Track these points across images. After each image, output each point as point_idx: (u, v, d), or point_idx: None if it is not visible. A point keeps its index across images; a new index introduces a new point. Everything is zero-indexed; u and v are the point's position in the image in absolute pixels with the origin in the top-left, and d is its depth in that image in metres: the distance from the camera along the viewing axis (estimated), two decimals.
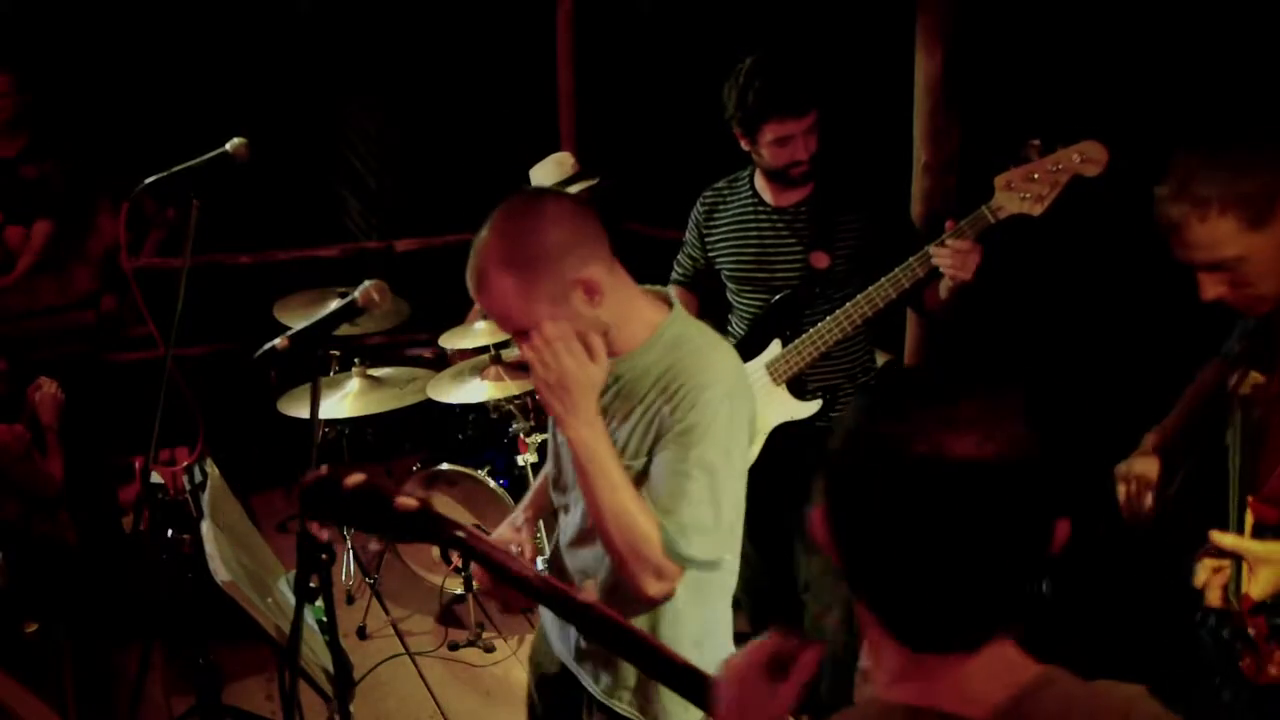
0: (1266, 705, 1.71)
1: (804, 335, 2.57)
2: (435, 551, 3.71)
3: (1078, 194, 2.21)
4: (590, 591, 1.39)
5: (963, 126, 2.85)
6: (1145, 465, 1.86)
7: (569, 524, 1.84)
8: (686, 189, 2.90)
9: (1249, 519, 1.60)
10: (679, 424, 1.58)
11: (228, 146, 2.50)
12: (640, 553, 1.56)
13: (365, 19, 5.20)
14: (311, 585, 1.81)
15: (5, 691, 1.91)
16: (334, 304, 1.84)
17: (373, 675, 3.43)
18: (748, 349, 2.66)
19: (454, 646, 3.61)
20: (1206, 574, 1.61)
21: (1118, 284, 2.77)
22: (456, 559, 3.59)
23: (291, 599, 2.16)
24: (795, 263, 2.62)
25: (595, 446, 1.56)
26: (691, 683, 1.32)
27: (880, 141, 3.09)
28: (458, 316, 4.01)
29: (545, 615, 2.01)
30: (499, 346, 3.63)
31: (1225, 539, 1.58)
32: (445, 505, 3.66)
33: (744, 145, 2.60)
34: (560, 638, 1.93)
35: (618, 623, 1.38)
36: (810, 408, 2.63)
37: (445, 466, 3.61)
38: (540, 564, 2.51)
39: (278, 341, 1.76)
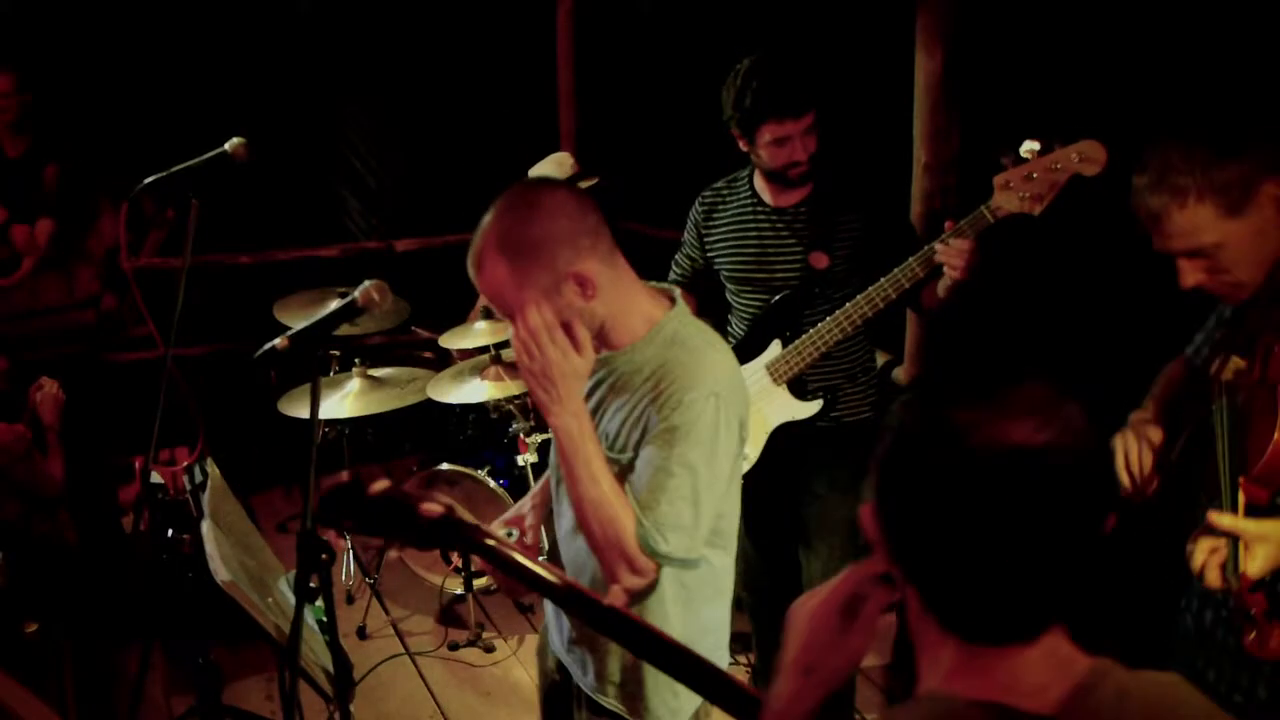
0: (1253, 685, 1.75)
1: (804, 336, 2.57)
2: (393, 554, 3.71)
3: (1077, 193, 2.21)
4: (618, 596, 1.38)
5: (963, 126, 2.85)
6: (1149, 428, 1.86)
7: (565, 515, 1.85)
8: (686, 189, 2.90)
9: (1241, 499, 1.62)
10: (664, 422, 1.59)
11: (227, 146, 2.50)
12: (616, 544, 1.58)
13: (365, 19, 5.20)
14: (311, 585, 1.80)
15: (5, 691, 1.91)
16: (334, 304, 1.84)
17: (373, 675, 3.43)
18: (748, 349, 2.66)
19: (454, 646, 3.61)
20: (1204, 555, 1.62)
21: (1116, 282, 2.77)
22: (456, 559, 3.59)
23: (291, 599, 2.16)
24: (794, 263, 2.62)
25: (578, 436, 1.58)
26: (723, 688, 1.30)
27: (880, 141, 3.09)
28: (458, 316, 4.01)
29: (548, 608, 2.02)
30: (499, 346, 3.63)
31: (1223, 519, 1.60)
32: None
33: (742, 146, 2.60)
34: (555, 629, 1.94)
35: (645, 628, 1.37)
36: (811, 408, 2.63)
37: (445, 466, 3.61)
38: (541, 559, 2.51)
39: (278, 341, 1.76)
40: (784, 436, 2.64)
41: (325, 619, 1.95)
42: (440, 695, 3.35)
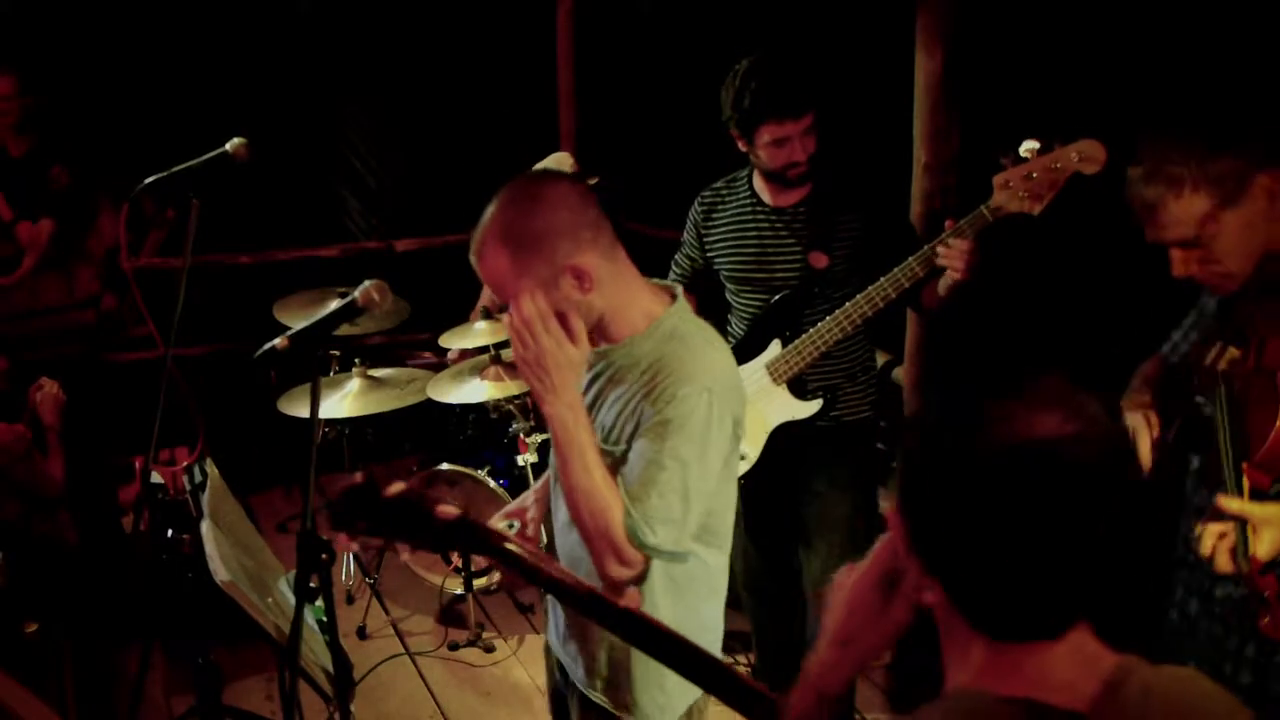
0: (1236, 672, 1.80)
1: (804, 335, 2.57)
2: (406, 556, 3.71)
3: (1077, 193, 2.21)
4: (634, 598, 1.38)
5: (963, 126, 2.85)
6: (1150, 413, 1.88)
7: (562, 509, 1.85)
8: (686, 189, 2.90)
9: (1245, 485, 1.66)
10: (657, 415, 1.60)
11: (227, 146, 2.50)
12: (605, 534, 1.60)
13: (365, 19, 5.20)
14: (311, 585, 1.81)
15: (5, 691, 1.91)
16: (334, 304, 1.84)
17: (373, 675, 3.43)
18: (748, 349, 2.66)
19: (454, 646, 3.61)
20: (1213, 541, 1.64)
21: (1114, 280, 2.77)
22: (456, 559, 3.59)
23: (291, 599, 2.16)
24: (794, 263, 2.62)
25: (572, 426, 1.59)
26: (737, 690, 1.30)
27: (880, 141, 3.09)
28: (458, 316, 4.01)
29: (551, 603, 2.02)
30: (499, 346, 3.63)
31: (1231, 503, 1.63)
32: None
33: (741, 147, 2.60)
34: (553, 625, 1.95)
35: (660, 629, 1.36)
36: (811, 407, 2.63)
37: (445, 466, 3.61)
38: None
39: (278, 341, 1.76)
40: (784, 436, 2.64)
41: (325, 619, 1.95)
42: (440, 695, 3.35)
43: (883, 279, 2.44)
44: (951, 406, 0.92)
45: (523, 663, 3.53)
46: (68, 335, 4.22)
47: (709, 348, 1.67)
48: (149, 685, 3.00)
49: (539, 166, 3.88)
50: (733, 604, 2.31)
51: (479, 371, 3.63)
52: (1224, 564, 1.63)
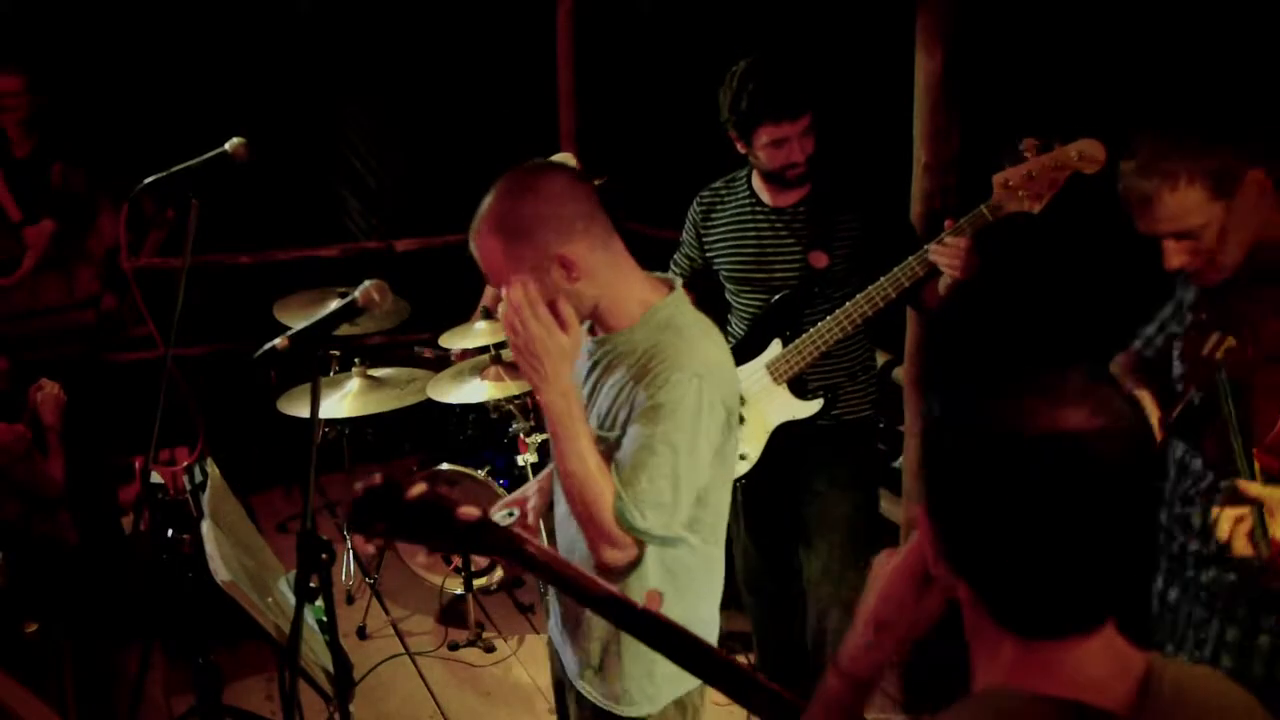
0: (1215, 656, 1.86)
1: (804, 335, 2.57)
2: (422, 559, 3.71)
3: (1077, 192, 2.21)
4: (654, 599, 1.39)
5: (963, 126, 2.85)
6: (1142, 394, 1.91)
7: (562, 499, 1.87)
8: (686, 189, 2.90)
9: (1257, 469, 1.69)
10: (649, 400, 1.62)
11: (227, 146, 2.50)
12: (597, 519, 1.63)
13: (365, 19, 5.20)
14: (311, 585, 1.81)
15: (5, 691, 1.91)
16: (334, 304, 1.84)
17: (373, 675, 3.43)
18: (748, 349, 2.66)
19: (454, 646, 3.61)
20: (1230, 525, 1.67)
21: (1115, 279, 2.77)
22: (456, 559, 3.59)
23: (291, 599, 2.16)
24: (794, 263, 2.62)
25: (565, 414, 1.62)
26: (753, 691, 1.30)
27: (880, 141, 3.09)
28: (458, 316, 4.01)
29: (552, 596, 2.04)
30: (499, 346, 3.63)
31: (1251, 487, 1.66)
32: None
33: (740, 148, 2.60)
34: (553, 616, 1.97)
35: (677, 630, 1.36)
36: (812, 407, 2.63)
37: (445, 466, 3.61)
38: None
39: (278, 341, 1.76)
40: (784, 435, 2.64)
41: (325, 619, 1.95)
42: (440, 695, 3.35)
43: (883, 278, 2.44)
44: (976, 404, 0.92)
45: (523, 663, 3.53)
46: (68, 335, 4.22)
47: (702, 337, 1.70)
48: (149, 685, 3.00)
49: None
50: (733, 604, 2.31)
51: (479, 371, 3.63)
52: (1242, 548, 1.66)
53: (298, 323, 1.81)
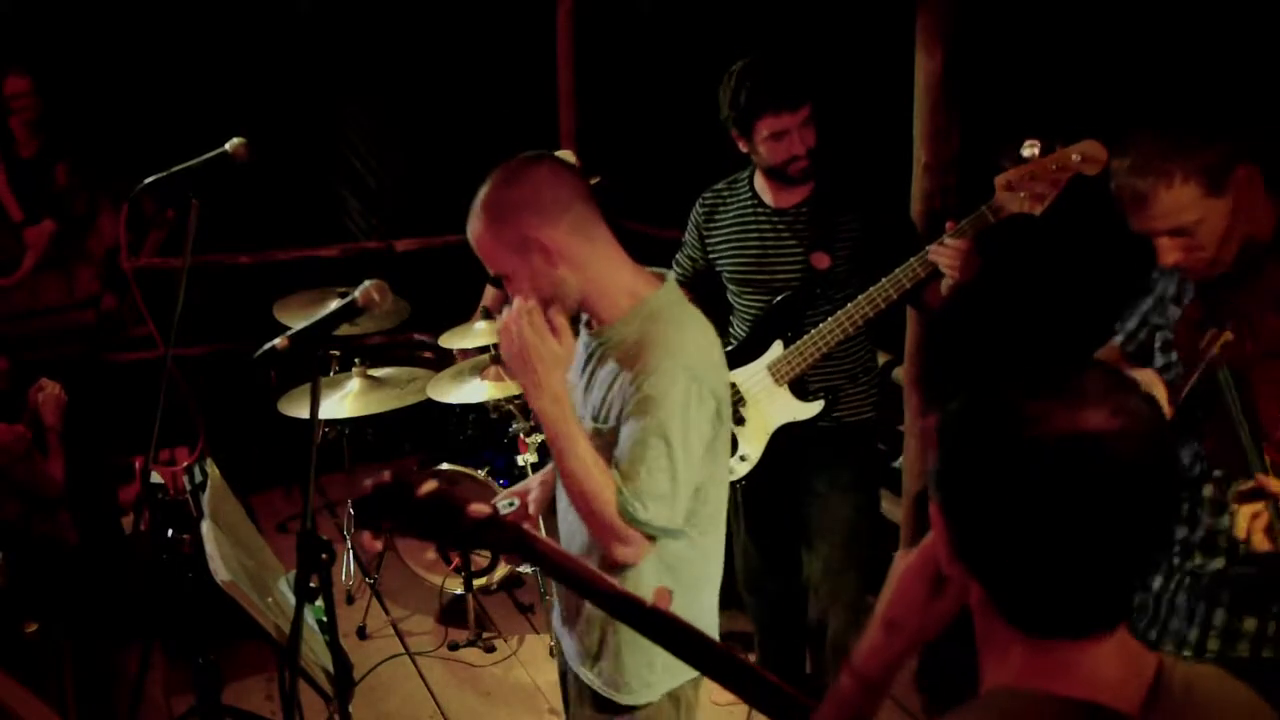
0: (1203, 639, 1.91)
1: (806, 336, 2.56)
2: (431, 555, 3.71)
3: (1079, 193, 2.21)
4: (664, 596, 1.40)
5: (963, 126, 2.85)
6: (1149, 378, 1.92)
7: (563, 493, 1.90)
8: (687, 189, 2.90)
9: (1268, 463, 1.71)
10: (637, 394, 1.66)
11: (227, 146, 2.50)
12: (600, 515, 1.67)
13: (365, 19, 5.19)
14: (311, 585, 1.81)
15: (5, 691, 1.91)
16: (334, 304, 1.84)
17: (373, 675, 3.43)
18: (749, 350, 2.65)
19: (454, 646, 3.61)
20: (1246, 521, 1.68)
21: (1116, 280, 2.77)
22: (456, 559, 3.59)
23: (291, 599, 2.16)
24: (796, 264, 2.62)
25: (559, 419, 1.67)
26: (762, 689, 1.30)
27: (880, 141, 3.09)
28: (458, 316, 4.01)
29: (555, 587, 2.06)
30: (499, 346, 3.63)
31: (1272, 482, 1.68)
32: None
33: (741, 147, 2.60)
34: (556, 607, 2.00)
35: (684, 626, 1.37)
36: (813, 408, 2.63)
37: (445, 466, 3.61)
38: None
39: (278, 341, 1.77)
40: (785, 437, 2.64)
41: (325, 619, 1.95)
42: (440, 695, 3.35)
43: (884, 279, 2.43)
44: (992, 404, 0.91)
45: (523, 663, 3.53)
46: (68, 335, 4.22)
47: (689, 329, 1.72)
48: (149, 685, 3.00)
49: None
50: (733, 604, 2.31)
51: (479, 371, 3.63)
52: (1261, 543, 1.67)
53: (298, 323, 1.81)
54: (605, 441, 1.72)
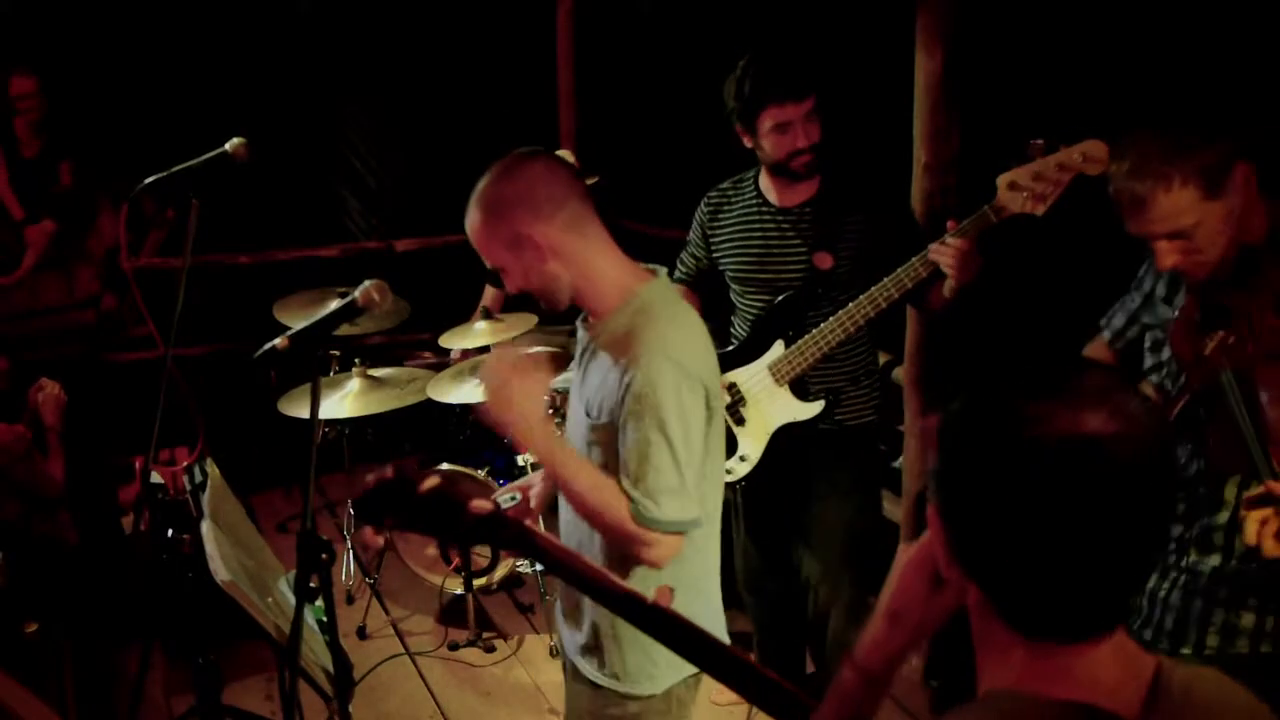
0: (1201, 639, 1.92)
1: (807, 336, 2.56)
2: (432, 550, 3.71)
3: (1080, 193, 2.21)
4: (665, 594, 1.40)
5: (963, 126, 2.85)
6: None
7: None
8: (687, 188, 2.90)
9: (1276, 467, 1.71)
10: (628, 393, 1.68)
11: (227, 146, 2.50)
12: (618, 529, 1.70)
13: (365, 19, 5.20)
14: (311, 585, 1.81)
15: (5, 691, 1.91)
16: (334, 304, 1.84)
17: (373, 675, 3.43)
18: (750, 350, 2.65)
19: (454, 646, 3.61)
20: (1255, 526, 1.68)
21: (1113, 278, 2.77)
22: (456, 559, 3.59)
23: (291, 599, 2.16)
24: (799, 263, 2.61)
25: (554, 461, 1.71)
26: (762, 687, 1.30)
27: (880, 141, 3.09)
28: (458, 316, 4.01)
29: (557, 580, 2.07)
30: (499, 346, 3.63)
31: (1278, 487, 1.68)
32: None
33: (746, 142, 2.59)
34: (559, 600, 2.02)
35: (683, 623, 1.37)
36: (813, 408, 2.62)
37: (445, 467, 3.61)
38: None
39: (278, 341, 1.77)
40: (785, 439, 2.63)
41: (325, 619, 1.95)
42: (440, 695, 3.35)
43: (886, 279, 2.43)
44: (990, 405, 0.91)
45: (523, 663, 3.53)
46: (68, 335, 4.22)
47: (675, 323, 1.74)
48: (149, 685, 3.00)
49: None
50: (733, 604, 2.31)
51: (479, 371, 3.63)
52: (1272, 549, 1.67)
53: (298, 323, 1.81)
54: (598, 436, 1.76)
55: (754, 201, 2.69)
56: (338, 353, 4.06)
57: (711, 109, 2.61)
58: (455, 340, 3.77)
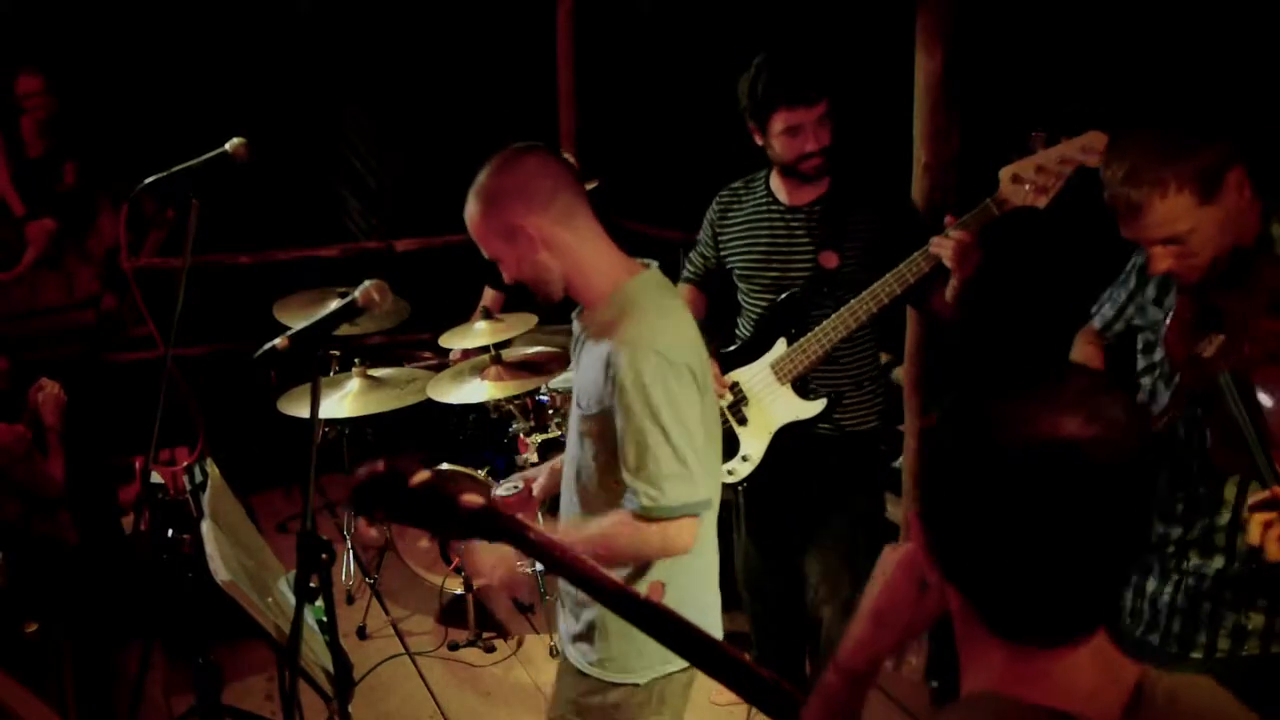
0: (1213, 640, 1.92)
1: (809, 333, 2.55)
2: (424, 544, 3.71)
3: (1080, 194, 2.21)
4: (656, 589, 1.41)
5: (963, 126, 2.85)
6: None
7: (568, 482, 1.96)
8: (686, 189, 2.90)
9: (1278, 469, 1.70)
10: (614, 386, 1.71)
11: (227, 146, 2.50)
12: (632, 543, 1.73)
13: (365, 19, 5.19)
14: (311, 585, 1.81)
15: (5, 691, 1.91)
16: (334, 304, 1.84)
17: (373, 675, 3.43)
18: (753, 349, 2.65)
19: (454, 646, 3.61)
20: (1260, 529, 1.68)
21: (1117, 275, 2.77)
22: (456, 558, 3.59)
23: (291, 599, 2.16)
24: (806, 262, 2.60)
25: (547, 543, 1.70)
26: (752, 682, 1.31)
27: (880, 141, 3.08)
28: (458, 316, 4.01)
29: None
30: (499, 346, 3.63)
31: None
32: None
33: (757, 140, 2.59)
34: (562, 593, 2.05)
35: (676, 619, 1.38)
36: (815, 407, 2.61)
37: (445, 466, 3.61)
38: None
39: (278, 341, 1.77)
40: (788, 439, 2.62)
41: (325, 619, 1.95)
42: (440, 695, 3.35)
43: (888, 274, 2.42)
44: (971, 408, 0.91)
45: (523, 663, 3.53)
46: (68, 335, 4.22)
47: (658, 314, 1.77)
48: (149, 685, 3.00)
49: None
50: (733, 604, 2.31)
51: (479, 371, 3.63)
52: (1276, 552, 1.66)
53: (298, 323, 1.82)
54: (587, 427, 1.80)
55: (764, 199, 2.69)
56: (338, 353, 4.06)
57: (711, 109, 2.61)
58: (455, 340, 3.77)
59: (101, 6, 4.64)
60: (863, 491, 2.78)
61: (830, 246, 2.57)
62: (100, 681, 3.20)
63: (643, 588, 1.78)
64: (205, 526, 2.12)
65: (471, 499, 1.47)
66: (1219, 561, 1.89)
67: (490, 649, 3.59)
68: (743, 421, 2.64)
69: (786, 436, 2.62)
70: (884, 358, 3.15)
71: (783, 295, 2.63)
